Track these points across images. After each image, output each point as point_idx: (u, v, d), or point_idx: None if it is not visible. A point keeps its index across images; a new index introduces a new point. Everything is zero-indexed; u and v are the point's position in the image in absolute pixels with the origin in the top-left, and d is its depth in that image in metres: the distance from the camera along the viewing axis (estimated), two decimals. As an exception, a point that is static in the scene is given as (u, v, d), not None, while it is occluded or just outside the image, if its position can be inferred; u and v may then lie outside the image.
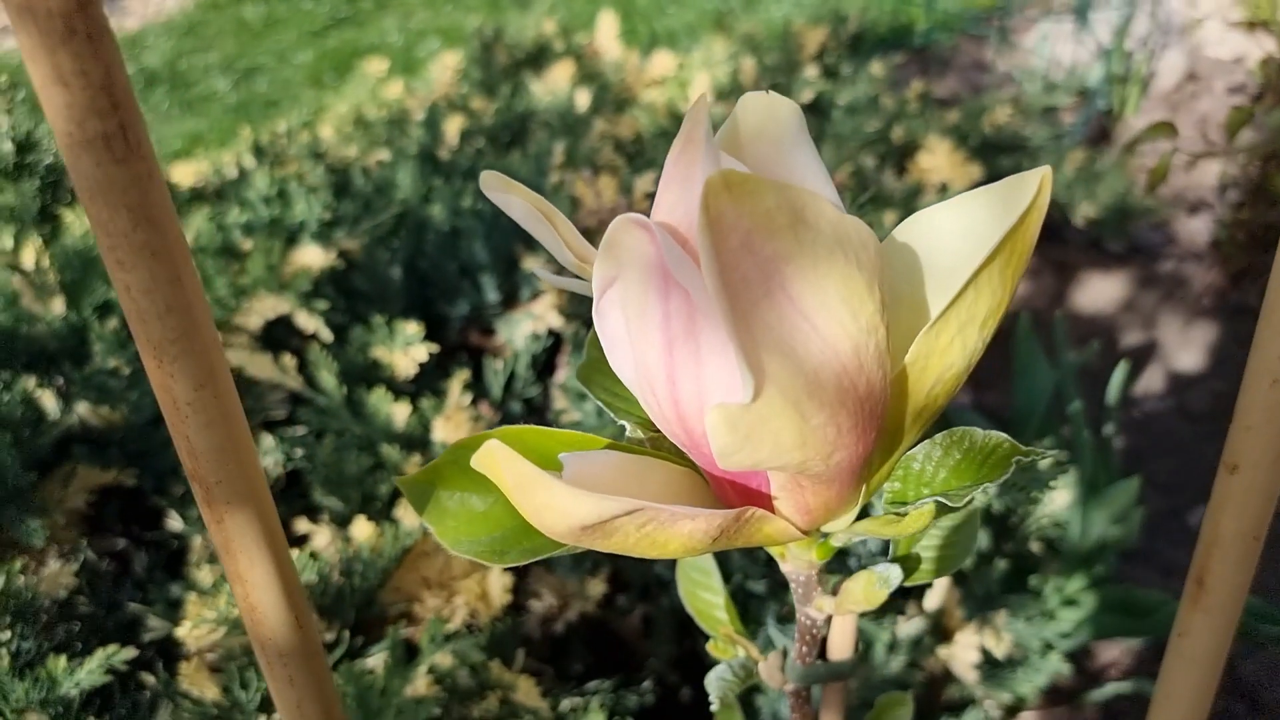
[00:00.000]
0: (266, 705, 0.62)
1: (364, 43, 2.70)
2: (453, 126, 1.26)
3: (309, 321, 0.84)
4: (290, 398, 0.88)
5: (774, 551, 0.39)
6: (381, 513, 0.76)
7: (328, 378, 0.80)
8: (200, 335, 0.26)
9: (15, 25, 0.22)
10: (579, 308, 1.00)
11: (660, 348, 0.31)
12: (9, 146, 1.07)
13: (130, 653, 0.59)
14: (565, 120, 1.23)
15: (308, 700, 0.33)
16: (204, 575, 0.68)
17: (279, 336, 0.94)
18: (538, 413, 0.98)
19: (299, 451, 0.81)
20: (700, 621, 0.48)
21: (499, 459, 0.29)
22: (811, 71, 1.55)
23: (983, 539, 0.86)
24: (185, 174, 1.26)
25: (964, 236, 0.35)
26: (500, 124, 1.29)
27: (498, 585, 0.68)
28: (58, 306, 0.93)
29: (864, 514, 0.39)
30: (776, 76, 1.55)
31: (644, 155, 1.19)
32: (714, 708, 0.41)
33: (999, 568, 0.81)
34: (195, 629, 0.61)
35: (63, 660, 0.57)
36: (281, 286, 0.85)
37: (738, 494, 0.35)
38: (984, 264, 0.32)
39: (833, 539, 0.38)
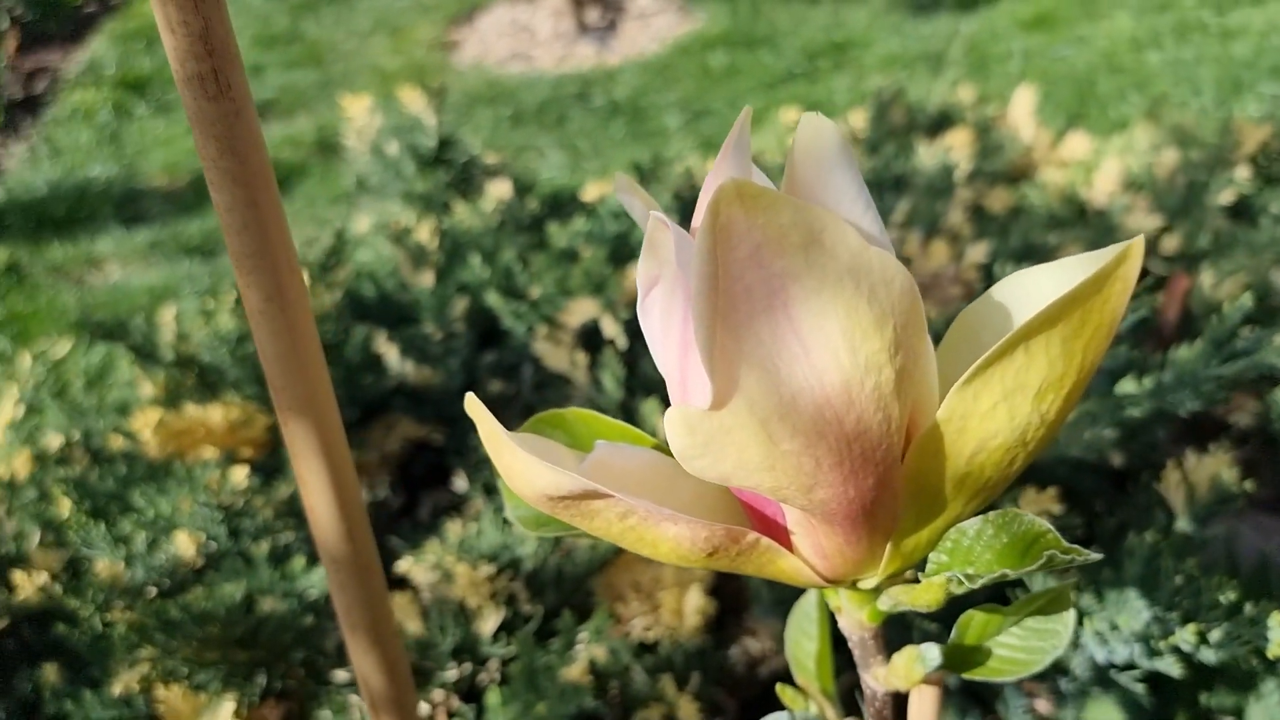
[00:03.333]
0: (459, 652, 0.67)
1: (811, 98, 2.79)
2: (826, 177, 1.27)
3: (610, 327, 0.90)
4: (587, 400, 0.95)
5: (832, 605, 0.38)
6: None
7: (610, 380, 0.85)
8: (272, 254, 0.31)
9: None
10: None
11: (678, 350, 0.32)
12: (435, 143, 1.24)
13: (350, 569, 0.67)
14: (932, 184, 1.21)
15: (356, 608, 0.37)
16: (454, 528, 0.75)
17: (599, 341, 1.01)
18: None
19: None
20: (795, 670, 0.46)
21: (476, 412, 0.31)
22: (1242, 172, 1.39)
23: None
24: (592, 192, 1.40)
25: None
26: (872, 181, 1.29)
27: (691, 604, 0.69)
28: (428, 279, 1.07)
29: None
30: (1198, 172, 1.40)
31: (998, 227, 1.14)
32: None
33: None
34: (414, 565, 0.68)
35: (301, 560, 0.67)
36: (599, 292, 0.92)
37: (755, 519, 0.34)
38: (1036, 326, 0.29)
39: (879, 602, 0.36)
